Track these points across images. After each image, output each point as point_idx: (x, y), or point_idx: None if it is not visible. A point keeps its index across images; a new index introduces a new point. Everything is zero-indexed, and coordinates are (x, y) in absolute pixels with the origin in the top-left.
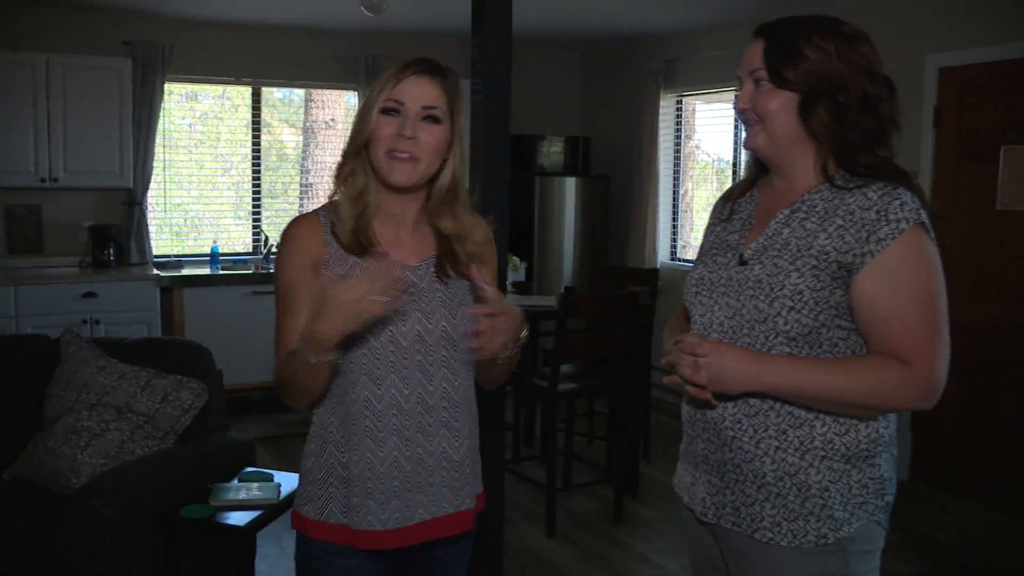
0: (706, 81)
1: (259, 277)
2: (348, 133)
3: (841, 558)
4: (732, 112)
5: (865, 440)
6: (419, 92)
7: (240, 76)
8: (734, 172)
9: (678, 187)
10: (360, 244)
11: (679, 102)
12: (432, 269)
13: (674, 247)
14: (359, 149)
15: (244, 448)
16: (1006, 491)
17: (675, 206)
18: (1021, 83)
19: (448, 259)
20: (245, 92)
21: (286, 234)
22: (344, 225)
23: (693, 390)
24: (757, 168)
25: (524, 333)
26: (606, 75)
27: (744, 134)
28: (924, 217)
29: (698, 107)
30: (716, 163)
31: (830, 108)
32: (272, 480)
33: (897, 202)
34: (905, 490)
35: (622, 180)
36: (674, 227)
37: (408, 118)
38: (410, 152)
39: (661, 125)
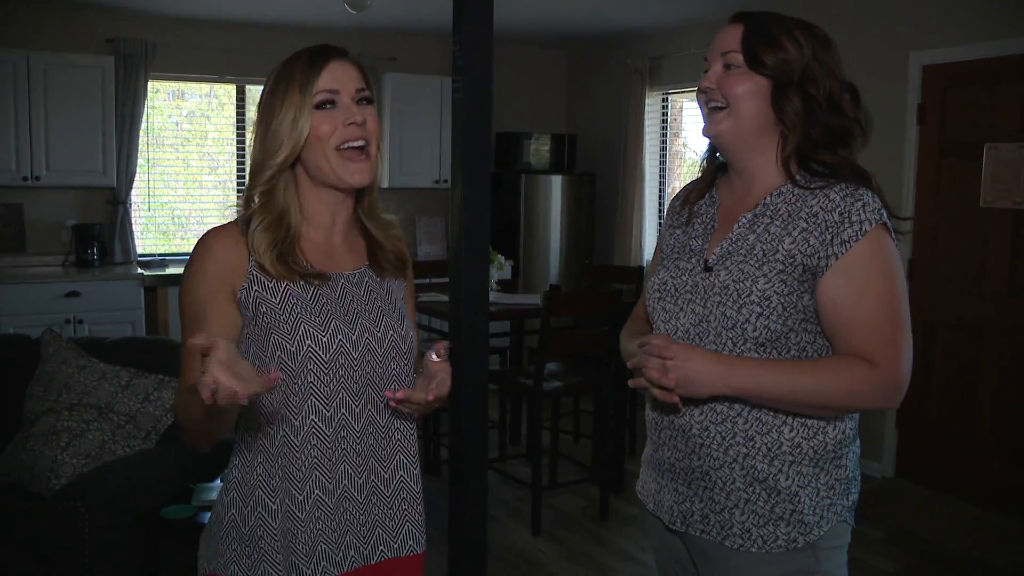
0: (692, 79)
1: None
2: (256, 152)
3: (811, 556)
4: None
5: (832, 442)
6: (347, 76)
7: (224, 74)
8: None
9: (664, 185)
10: (289, 268)
11: (665, 99)
12: (366, 278)
13: None
14: (282, 165)
15: (226, 448)
16: (989, 488)
17: (661, 204)
18: (1004, 81)
19: (380, 258)
20: (232, 90)
21: (201, 247)
22: (264, 257)
23: (660, 393)
24: (712, 166)
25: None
26: (591, 72)
27: (704, 123)
28: (886, 217)
29: (685, 105)
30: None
31: (802, 98)
32: None
33: (859, 203)
34: (889, 487)
35: (608, 178)
36: (660, 225)
37: (347, 104)
38: (363, 138)
39: (647, 123)
